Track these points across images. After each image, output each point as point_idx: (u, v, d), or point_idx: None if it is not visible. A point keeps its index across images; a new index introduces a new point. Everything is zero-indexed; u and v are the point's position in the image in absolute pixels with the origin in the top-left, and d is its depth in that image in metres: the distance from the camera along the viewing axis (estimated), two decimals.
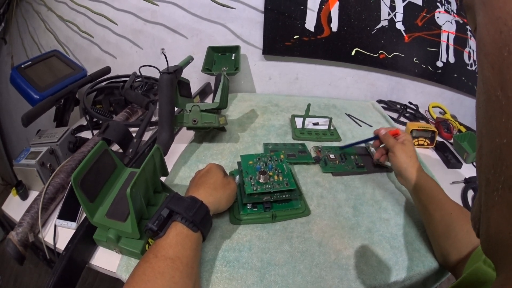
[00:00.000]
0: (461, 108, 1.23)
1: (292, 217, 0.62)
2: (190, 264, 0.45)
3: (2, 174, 1.32)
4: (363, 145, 0.87)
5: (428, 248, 0.59)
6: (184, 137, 0.88)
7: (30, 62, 0.95)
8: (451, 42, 1.15)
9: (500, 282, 0.20)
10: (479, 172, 0.21)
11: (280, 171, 0.63)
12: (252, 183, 0.60)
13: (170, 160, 0.78)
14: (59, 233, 0.62)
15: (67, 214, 0.64)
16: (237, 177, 0.64)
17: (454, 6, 1.14)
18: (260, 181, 0.60)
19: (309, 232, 0.60)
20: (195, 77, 1.19)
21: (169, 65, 0.72)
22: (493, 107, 0.19)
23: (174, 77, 0.71)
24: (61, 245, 0.56)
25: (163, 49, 0.69)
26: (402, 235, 0.61)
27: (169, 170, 0.74)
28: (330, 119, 0.92)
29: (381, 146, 0.75)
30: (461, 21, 1.14)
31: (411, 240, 0.60)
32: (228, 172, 0.73)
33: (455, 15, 1.13)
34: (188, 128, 0.83)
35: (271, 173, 0.62)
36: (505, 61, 0.18)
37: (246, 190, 0.58)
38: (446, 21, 1.13)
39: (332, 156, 0.81)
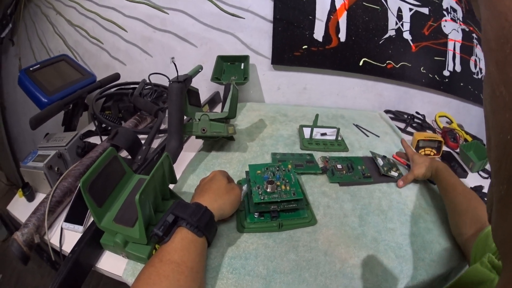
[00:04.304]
0: (468, 117, 1.23)
1: (298, 226, 0.62)
2: (195, 269, 0.46)
3: (7, 174, 1.33)
4: (370, 155, 0.87)
5: (433, 257, 0.59)
6: (193, 145, 0.89)
7: (39, 66, 0.96)
8: (457, 50, 1.16)
9: (506, 277, 0.20)
10: (490, 162, 0.21)
11: (287, 181, 0.63)
12: (260, 192, 0.60)
13: (179, 168, 0.79)
14: (65, 236, 0.63)
15: (74, 218, 0.65)
16: (245, 186, 0.65)
17: (460, 14, 1.15)
18: (268, 190, 0.60)
19: (315, 241, 0.60)
20: (204, 86, 1.20)
21: (178, 74, 0.72)
22: (497, 101, 0.19)
23: (183, 86, 0.71)
24: (67, 248, 0.57)
25: (173, 58, 0.69)
26: (407, 244, 0.62)
27: (177, 178, 0.75)
28: (338, 130, 0.93)
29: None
30: (467, 29, 1.15)
31: (416, 249, 0.61)
32: (236, 181, 0.73)
33: (461, 23, 1.14)
34: (197, 137, 0.83)
35: (278, 183, 0.62)
36: (508, 58, 0.18)
37: (254, 199, 0.59)
38: (453, 29, 1.13)
39: (339, 166, 0.81)
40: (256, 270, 0.54)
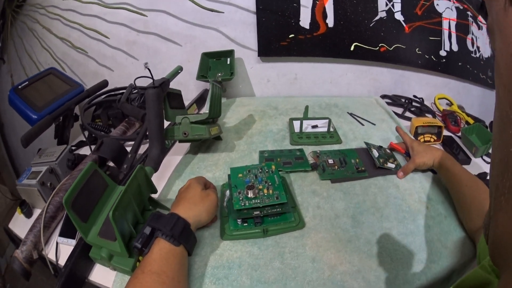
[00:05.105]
0: (468, 98, 1.17)
1: (285, 231, 0.59)
2: (176, 278, 0.47)
3: (11, 190, 1.36)
4: (364, 146, 0.83)
5: (433, 258, 0.56)
6: (180, 149, 0.87)
7: (27, 82, 0.96)
8: (453, 29, 1.09)
9: (504, 281, 0.21)
10: (491, 181, 0.24)
11: (270, 183, 0.61)
12: (241, 198, 0.58)
13: (165, 173, 0.78)
14: (62, 250, 0.63)
15: (67, 232, 0.65)
16: (228, 191, 0.63)
17: None
18: (249, 195, 0.58)
19: (303, 247, 0.57)
20: (192, 84, 1.17)
21: (155, 78, 0.70)
22: (503, 121, 0.21)
23: (160, 91, 0.69)
24: (64, 262, 0.57)
25: (146, 63, 0.68)
26: (405, 245, 0.58)
27: (163, 184, 0.74)
28: (329, 120, 0.89)
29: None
30: (461, 7, 1.08)
31: (415, 250, 0.57)
32: (221, 184, 0.72)
33: (454, 1, 1.07)
34: (180, 141, 0.81)
35: (260, 187, 0.60)
36: None
37: (234, 205, 0.57)
38: (446, 7, 1.07)
39: (330, 161, 0.77)
40: (240, 280, 0.52)
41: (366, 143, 0.82)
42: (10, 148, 1.45)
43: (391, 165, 0.77)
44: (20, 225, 0.72)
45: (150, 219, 0.52)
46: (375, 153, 0.79)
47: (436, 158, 0.71)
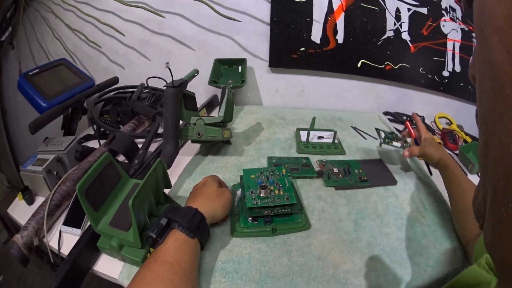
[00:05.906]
0: (468, 118, 1.22)
1: (292, 231, 0.62)
2: (188, 269, 0.47)
3: (8, 177, 1.34)
4: (367, 158, 0.86)
5: (429, 262, 0.59)
6: (190, 149, 0.89)
7: (38, 70, 0.97)
8: (456, 50, 1.14)
9: None
10: (484, 171, 0.18)
11: (281, 185, 0.63)
12: (253, 197, 0.60)
13: (175, 172, 0.79)
14: (64, 239, 0.64)
15: (72, 221, 0.66)
16: (239, 191, 0.65)
17: (459, 14, 1.13)
18: (261, 195, 0.60)
19: (309, 246, 0.60)
20: (202, 89, 1.20)
21: (173, 79, 0.73)
22: (506, 102, 0.15)
23: (179, 91, 0.72)
24: (66, 251, 0.58)
25: (167, 63, 0.70)
26: (402, 249, 0.61)
27: (173, 182, 0.75)
28: (335, 133, 0.92)
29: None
30: (467, 29, 1.14)
31: (411, 254, 0.60)
32: (231, 185, 0.74)
33: (460, 22, 1.12)
34: (193, 141, 0.83)
35: (272, 188, 0.62)
36: None
37: (247, 204, 0.59)
38: (452, 29, 1.12)
39: (335, 170, 0.81)
40: (249, 275, 0.54)
41: (376, 128, 0.85)
42: (11, 136, 1.43)
43: (396, 144, 0.79)
44: (19, 211, 0.72)
45: (167, 211, 0.53)
46: (382, 134, 0.82)
47: (443, 157, 0.72)
